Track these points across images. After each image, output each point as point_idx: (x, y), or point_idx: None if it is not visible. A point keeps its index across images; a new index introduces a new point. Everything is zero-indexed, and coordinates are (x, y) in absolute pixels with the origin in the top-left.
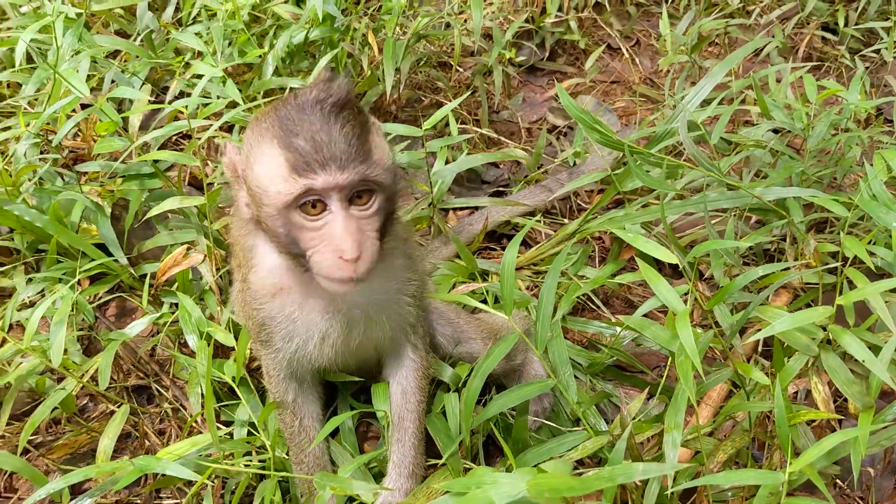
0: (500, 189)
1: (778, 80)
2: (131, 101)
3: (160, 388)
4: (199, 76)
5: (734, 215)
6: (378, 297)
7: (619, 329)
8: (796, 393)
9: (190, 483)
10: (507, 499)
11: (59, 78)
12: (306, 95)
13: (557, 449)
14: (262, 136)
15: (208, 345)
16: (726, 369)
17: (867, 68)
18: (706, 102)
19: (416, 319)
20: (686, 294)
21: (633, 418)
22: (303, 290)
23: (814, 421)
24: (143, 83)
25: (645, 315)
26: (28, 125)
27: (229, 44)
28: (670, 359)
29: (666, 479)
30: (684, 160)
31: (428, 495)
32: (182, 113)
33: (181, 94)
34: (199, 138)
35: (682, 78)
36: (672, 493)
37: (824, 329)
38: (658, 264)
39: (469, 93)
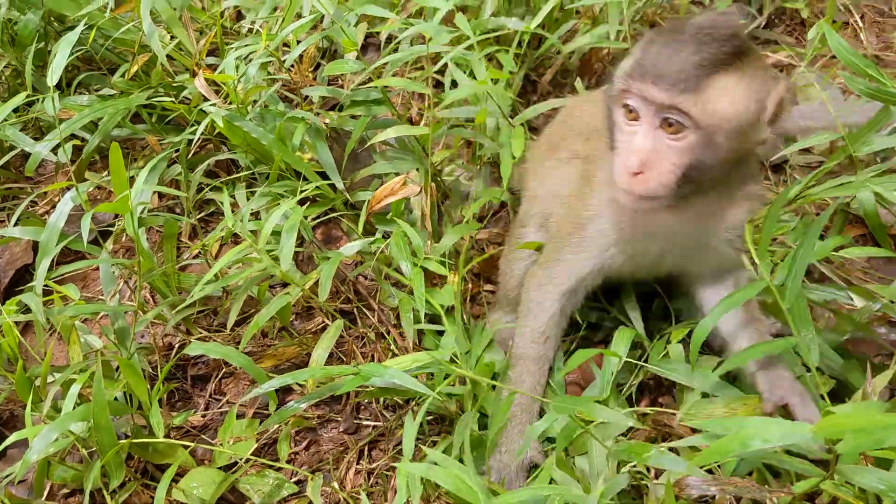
0: None
1: None
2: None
3: (366, 312)
4: (420, 11)
5: None
6: (702, 237)
7: (852, 297)
8: None
9: (389, 407)
10: (783, 441)
11: (293, 1)
12: (696, 18)
13: None
14: (643, 37)
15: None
16: None
17: None
18: None
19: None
20: None
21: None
22: None
23: None
24: (358, 21)
25: None
26: (265, 46)
27: None
28: None
29: None
30: None
31: None
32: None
33: (389, 38)
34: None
35: None
36: None
37: None
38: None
39: None
